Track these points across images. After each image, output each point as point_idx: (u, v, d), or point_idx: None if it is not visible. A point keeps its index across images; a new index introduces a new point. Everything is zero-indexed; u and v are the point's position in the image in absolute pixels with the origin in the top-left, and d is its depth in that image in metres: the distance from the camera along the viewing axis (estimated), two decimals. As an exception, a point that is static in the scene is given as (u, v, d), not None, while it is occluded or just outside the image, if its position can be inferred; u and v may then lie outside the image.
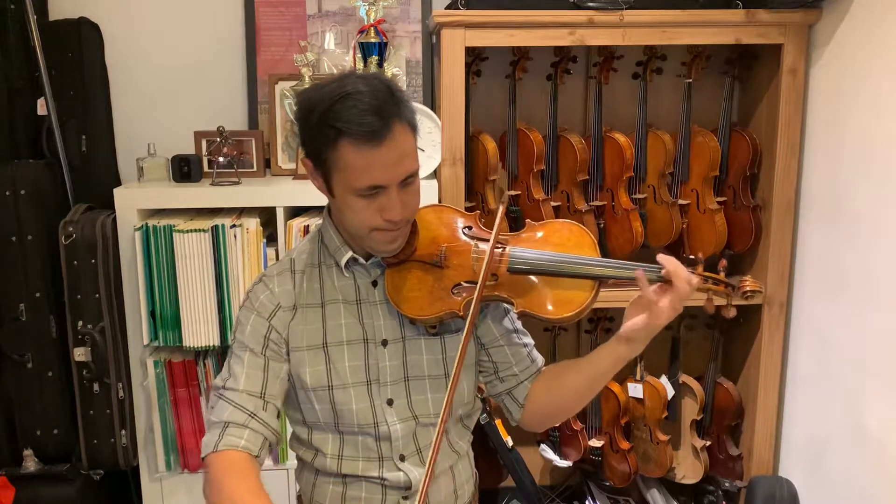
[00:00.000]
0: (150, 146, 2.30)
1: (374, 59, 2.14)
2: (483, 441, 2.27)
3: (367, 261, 1.39)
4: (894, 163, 1.79)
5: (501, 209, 1.39)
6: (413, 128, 1.27)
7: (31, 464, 2.23)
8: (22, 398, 2.21)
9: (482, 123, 2.31)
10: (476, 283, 1.34)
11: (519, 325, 1.49)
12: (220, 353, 2.18)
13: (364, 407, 1.38)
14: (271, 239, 2.17)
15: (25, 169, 2.17)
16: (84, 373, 2.15)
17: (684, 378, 2.37)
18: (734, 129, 2.26)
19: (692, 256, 1.38)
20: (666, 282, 1.29)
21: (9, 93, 2.25)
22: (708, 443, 2.37)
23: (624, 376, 2.37)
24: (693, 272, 1.31)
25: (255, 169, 2.29)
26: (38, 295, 2.17)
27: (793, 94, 2.12)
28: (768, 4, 2.04)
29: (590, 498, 2.46)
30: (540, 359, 1.51)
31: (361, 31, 2.16)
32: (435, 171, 2.21)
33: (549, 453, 2.44)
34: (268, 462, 2.20)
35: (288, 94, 2.24)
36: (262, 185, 2.17)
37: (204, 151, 2.25)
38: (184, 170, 2.20)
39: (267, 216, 2.17)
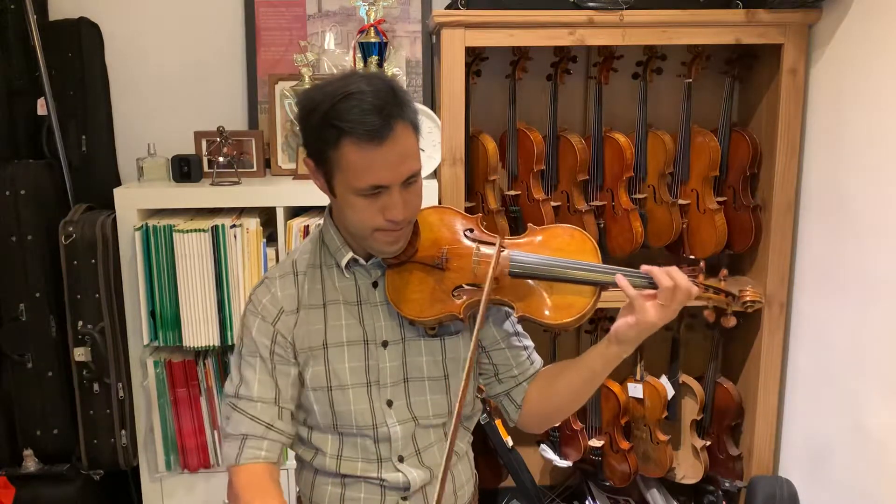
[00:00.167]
0: (150, 146, 2.30)
1: (374, 59, 2.14)
2: (483, 441, 2.27)
3: (367, 261, 1.39)
4: (894, 163, 1.79)
5: (498, 247, 1.38)
6: (415, 128, 1.27)
7: (31, 464, 2.23)
8: (22, 398, 2.21)
9: (482, 123, 2.31)
10: (476, 286, 1.35)
11: (519, 327, 1.49)
12: (220, 353, 2.18)
13: (363, 408, 1.38)
14: (271, 239, 2.17)
15: (25, 169, 2.17)
16: (84, 373, 2.15)
17: (684, 378, 2.37)
18: (734, 129, 2.26)
19: (692, 257, 1.38)
20: (652, 285, 1.29)
21: (9, 93, 2.25)
22: (708, 443, 2.37)
23: (624, 376, 2.37)
24: (694, 281, 1.30)
25: (255, 169, 2.29)
26: (38, 295, 2.17)
27: (793, 94, 2.12)
28: (768, 4, 2.04)
29: (590, 498, 2.46)
30: (539, 360, 1.51)
31: (361, 31, 2.16)
32: (435, 171, 2.21)
33: (549, 453, 2.44)
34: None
35: (288, 94, 2.24)
36: (262, 185, 2.18)
37: (204, 151, 2.25)
38: (184, 170, 2.20)
39: (267, 216, 2.17)
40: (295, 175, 2.26)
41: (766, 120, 2.21)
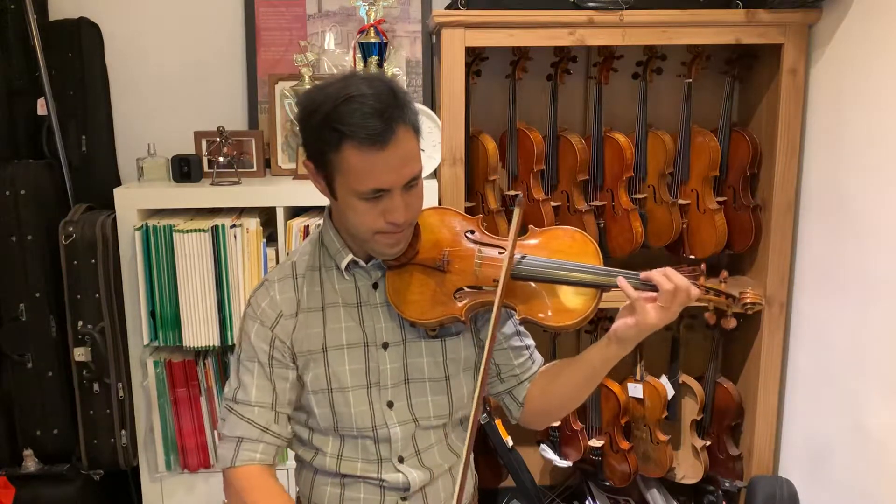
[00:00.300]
0: (150, 146, 2.30)
1: (374, 59, 2.14)
2: (483, 441, 2.27)
3: (367, 263, 1.39)
4: (894, 163, 1.79)
5: (517, 216, 1.37)
6: (416, 130, 1.27)
7: (31, 464, 2.23)
8: (22, 398, 2.21)
9: (482, 123, 2.31)
10: (478, 288, 1.35)
11: (521, 326, 1.50)
12: (220, 353, 2.18)
13: (363, 410, 1.38)
14: (271, 239, 2.17)
15: (25, 169, 2.17)
16: (84, 373, 2.15)
17: (684, 378, 2.37)
18: (734, 129, 2.26)
19: (693, 257, 1.38)
20: (653, 288, 1.29)
21: (9, 93, 2.25)
22: (708, 443, 2.37)
23: (624, 376, 2.37)
24: (694, 283, 1.31)
25: (255, 169, 2.29)
26: (38, 295, 2.17)
27: (793, 94, 2.12)
28: (768, 4, 2.04)
29: (590, 498, 2.46)
30: (539, 359, 1.52)
31: (361, 31, 2.16)
32: (435, 171, 2.21)
33: (549, 453, 2.44)
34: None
35: (288, 94, 2.24)
36: (262, 185, 2.17)
37: (204, 151, 2.25)
38: (184, 170, 2.20)
39: (267, 216, 2.17)
40: (295, 175, 2.26)
41: (766, 120, 2.21)
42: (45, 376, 2.20)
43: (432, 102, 2.38)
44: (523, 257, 1.35)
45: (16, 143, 2.29)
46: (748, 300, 1.37)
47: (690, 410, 2.38)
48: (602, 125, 2.25)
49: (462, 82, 2.10)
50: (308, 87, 2.09)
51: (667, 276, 1.28)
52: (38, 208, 2.17)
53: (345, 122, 1.20)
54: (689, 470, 2.41)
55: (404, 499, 1.41)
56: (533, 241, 1.40)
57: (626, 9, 2.06)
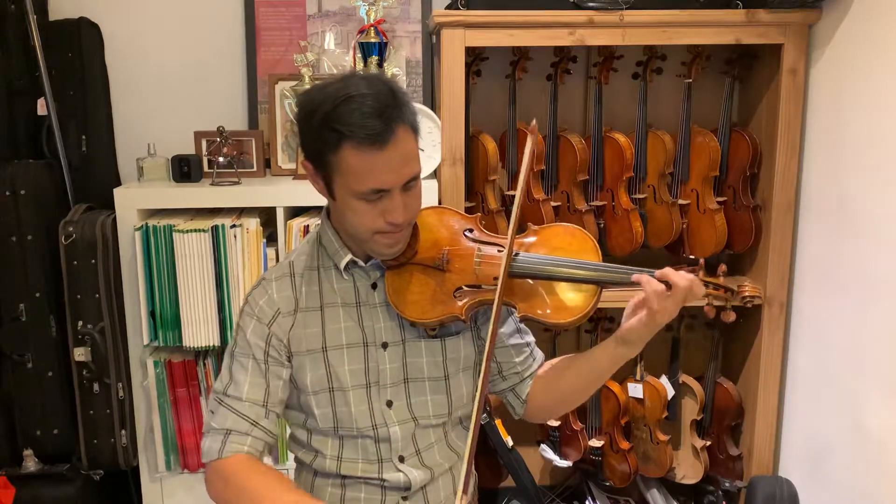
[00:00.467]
0: (150, 146, 2.30)
1: (374, 59, 2.14)
2: (483, 441, 2.27)
3: (366, 263, 1.39)
4: (894, 163, 1.79)
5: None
6: (415, 130, 1.27)
7: (31, 464, 2.23)
8: (22, 398, 2.21)
9: (482, 123, 2.31)
10: (478, 287, 1.35)
11: (521, 324, 1.50)
12: (220, 353, 2.18)
13: (363, 410, 1.38)
14: (271, 239, 2.17)
15: (25, 169, 2.17)
16: (84, 373, 2.15)
17: (684, 378, 2.37)
18: (734, 129, 2.26)
19: (692, 256, 1.38)
20: (665, 285, 1.29)
21: (9, 93, 2.25)
22: (708, 443, 2.37)
23: (624, 376, 2.37)
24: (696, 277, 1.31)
25: (255, 169, 2.29)
26: (38, 295, 2.17)
27: (793, 94, 2.12)
28: (768, 4, 2.04)
29: (590, 498, 2.46)
30: (540, 355, 1.52)
31: (361, 31, 2.16)
32: (435, 171, 2.21)
33: (549, 453, 2.44)
34: (267, 462, 2.20)
35: (288, 94, 2.24)
36: (262, 185, 2.18)
37: (204, 151, 2.25)
38: (184, 170, 2.20)
39: (267, 216, 2.17)
40: (295, 175, 2.26)
41: (766, 120, 2.21)
42: (45, 376, 2.20)
43: (432, 102, 2.38)
44: (517, 254, 1.36)
45: (16, 143, 2.29)
46: (747, 293, 1.38)
47: (690, 410, 2.38)
48: (602, 125, 2.25)
49: (462, 82, 2.10)
50: (308, 87, 2.09)
51: (680, 275, 1.29)
52: (38, 208, 2.17)
53: (344, 122, 1.20)
54: (689, 470, 2.41)
55: (405, 498, 1.41)
56: (532, 239, 1.40)
57: (626, 9, 2.06)
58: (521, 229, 1.43)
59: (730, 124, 2.25)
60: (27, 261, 2.15)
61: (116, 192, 2.11)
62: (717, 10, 2.09)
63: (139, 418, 2.20)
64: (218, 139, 2.22)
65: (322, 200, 1.38)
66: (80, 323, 2.14)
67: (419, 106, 2.17)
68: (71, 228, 2.11)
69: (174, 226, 2.06)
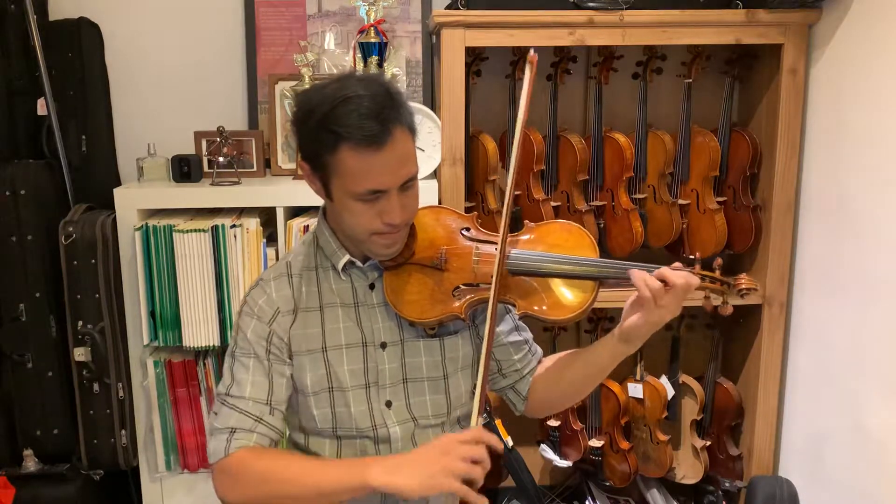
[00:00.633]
0: (150, 146, 2.30)
1: (374, 59, 2.14)
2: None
3: (363, 264, 1.39)
4: (894, 163, 1.79)
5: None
6: (412, 131, 1.27)
7: (31, 464, 2.23)
8: (22, 398, 2.21)
9: (482, 123, 2.31)
10: (477, 285, 1.35)
11: (519, 321, 1.50)
12: (220, 353, 2.18)
13: (362, 410, 1.38)
14: (271, 239, 2.17)
15: (25, 169, 2.17)
16: (84, 373, 2.15)
17: (684, 378, 2.37)
18: (734, 129, 2.26)
19: (692, 256, 1.39)
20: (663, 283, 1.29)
21: (9, 93, 2.25)
22: (708, 443, 2.37)
23: (624, 376, 2.37)
24: (691, 271, 1.32)
25: (255, 169, 2.29)
26: (38, 295, 2.17)
27: (793, 94, 2.12)
28: (768, 4, 2.04)
29: (590, 498, 2.46)
30: (539, 351, 1.53)
31: (361, 31, 2.16)
32: (435, 171, 2.21)
33: (549, 453, 2.44)
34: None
35: (288, 94, 2.24)
36: (262, 185, 2.17)
37: (204, 151, 2.25)
38: (184, 170, 2.20)
39: (267, 216, 2.17)
40: (295, 175, 2.26)
41: (766, 120, 2.20)
42: (45, 376, 2.20)
43: (432, 102, 2.38)
44: (514, 252, 1.36)
45: (16, 143, 2.29)
46: (743, 285, 1.39)
47: (690, 410, 2.38)
48: (602, 125, 2.25)
49: (462, 82, 2.10)
50: (308, 87, 2.09)
51: (675, 273, 1.29)
52: (38, 208, 2.17)
53: (341, 123, 1.20)
54: (689, 470, 2.41)
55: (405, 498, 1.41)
56: (529, 236, 1.40)
57: (626, 9, 2.06)
58: (518, 226, 1.43)
59: (730, 124, 2.25)
60: (27, 261, 2.15)
61: (116, 192, 2.11)
62: (717, 10, 2.09)
63: (139, 418, 2.20)
64: (218, 139, 2.22)
65: (322, 201, 1.38)
66: (80, 323, 2.14)
67: (419, 106, 2.17)
68: (71, 228, 2.11)
69: (174, 226, 2.06)
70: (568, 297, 1.34)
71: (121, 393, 2.18)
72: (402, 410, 1.40)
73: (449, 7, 2.14)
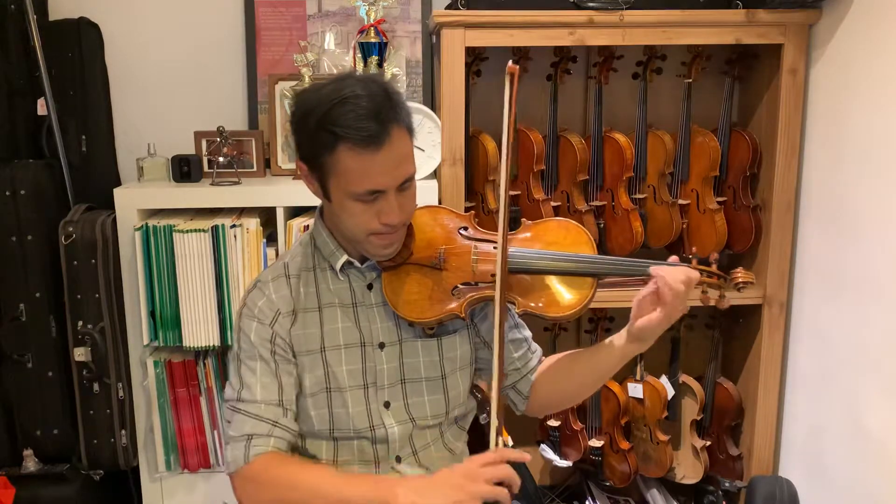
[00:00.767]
0: (150, 146, 2.30)
1: (374, 59, 2.14)
2: (482, 441, 2.26)
3: (362, 264, 1.39)
4: (894, 163, 1.79)
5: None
6: (410, 131, 1.28)
7: (31, 464, 2.23)
8: (22, 398, 2.21)
9: (482, 123, 2.31)
10: (476, 284, 1.35)
11: (518, 319, 1.50)
12: (221, 353, 2.18)
13: (360, 411, 1.38)
14: (271, 239, 2.17)
15: (25, 169, 2.17)
16: (84, 373, 2.15)
17: (684, 378, 2.37)
18: (734, 129, 2.26)
19: (690, 256, 1.39)
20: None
21: (9, 93, 2.25)
22: (708, 443, 2.37)
23: (624, 376, 2.37)
24: (688, 266, 1.33)
25: (255, 169, 2.29)
26: (38, 295, 2.17)
27: (793, 94, 2.12)
28: (768, 4, 2.04)
29: (590, 498, 2.46)
30: (538, 349, 1.53)
31: (361, 31, 2.16)
32: (435, 171, 2.21)
33: (549, 453, 2.44)
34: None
35: (288, 94, 2.24)
36: (262, 185, 2.18)
37: (204, 151, 2.25)
38: (184, 170, 2.20)
39: (267, 216, 2.17)
40: (295, 175, 2.25)
41: (766, 120, 2.20)
42: (45, 376, 2.20)
43: (432, 102, 2.38)
44: (513, 251, 1.36)
45: (16, 143, 2.29)
46: (740, 279, 1.40)
47: (690, 410, 2.38)
48: (602, 125, 2.25)
49: (462, 82, 2.10)
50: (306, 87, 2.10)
51: (668, 273, 1.29)
52: (38, 208, 2.17)
53: (339, 123, 1.20)
54: (689, 470, 2.41)
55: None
56: (527, 234, 1.41)
57: (626, 9, 2.06)
58: (517, 226, 1.43)
59: (730, 124, 2.25)
60: (27, 261, 2.15)
61: (116, 192, 2.11)
62: (717, 10, 2.09)
63: (139, 418, 2.20)
64: (218, 139, 2.22)
65: (319, 201, 1.38)
66: (80, 323, 2.14)
67: (419, 106, 2.18)
68: (71, 228, 2.11)
69: (174, 226, 2.06)
70: (566, 294, 1.34)
71: (121, 393, 2.18)
72: (400, 411, 1.40)
73: (449, 7, 2.14)
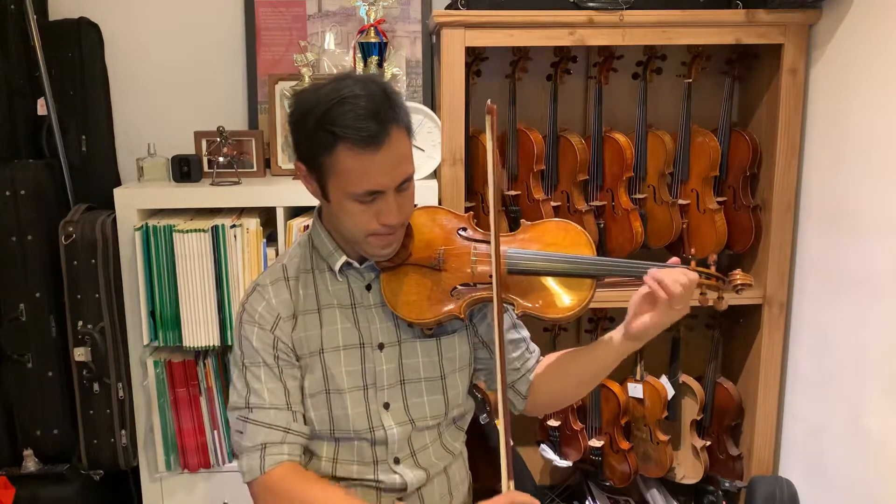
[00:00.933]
0: (150, 146, 2.30)
1: (374, 59, 2.14)
2: (483, 441, 2.27)
3: (360, 265, 1.39)
4: (894, 163, 1.79)
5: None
6: (409, 131, 1.28)
7: (31, 464, 2.23)
8: (22, 398, 2.22)
9: (482, 123, 2.30)
10: (475, 285, 1.35)
11: (516, 319, 1.50)
12: (221, 353, 2.18)
13: (360, 412, 1.38)
14: (271, 239, 2.17)
15: (25, 169, 2.17)
16: (84, 373, 2.15)
17: (684, 378, 2.37)
18: (734, 129, 2.26)
19: (689, 257, 1.39)
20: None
21: (9, 93, 2.25)
22: (708, 443, 2.37)
23: (624, 376, 2.37)
24: (687, 268, 1.33)
25: (255, 169, 2.29)
26: (38, 295, 2.17)
27: (793, 94, 2.11)
28: (768, 4, 2.04)
29: (590, 498, 2.46)
30: (536, 349, 1.54)
31: (361, 31, 2.16)
32: (435, 172, 2.21)
33: (549, 453, 2.44)
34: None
35: (288, 94, 2.24)
36: (262, 185, 2.18)
37: (204, 151, 2.25)
38: (184, 170, 2.20)
39: (267, 216, 2.17)
40: (295, 175, 2.25)
41: (766, 120, 2.20)
42: (45, 376, 2.20)
43: (432, 102, 2.38)
44: (511, 252, 1.36)
45: (16, 143, 2.29)
46: (738, 281, 1.40)
47: (690, 410, 2.38)
48: (602, 125, 2.25)
49: (462, 82, 2.10)
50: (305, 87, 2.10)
51: (667, 274, 1.29)
52: (38, 208, 2.17)
53: (338, 123, 1.20)
54: (689, 470, 2.41)
55: (401, 499, 1.41)
56: (527, 235, 1.41)
57: (626, 9, 2.05)
58: (517, 226, 1.43)
59: (730, 124, 2.25)
60: (27, 261, 2.15)
61: (116, 192, 2.11)
62: (717, 10, 2.09)
63: (139, 418, 2.20)
64: (218, 139, 2.22)
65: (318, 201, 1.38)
66: (80, 323, 2.14)
67: (419, 106, 2.17)
68: (71, 228, 2.11)
69: (174, 226, 2.07)
70: (565, 295, 1.34)
71: (121, 393, 2.18)
72: (399, 412, 1.40)
73: (449, 7, 2.14)
